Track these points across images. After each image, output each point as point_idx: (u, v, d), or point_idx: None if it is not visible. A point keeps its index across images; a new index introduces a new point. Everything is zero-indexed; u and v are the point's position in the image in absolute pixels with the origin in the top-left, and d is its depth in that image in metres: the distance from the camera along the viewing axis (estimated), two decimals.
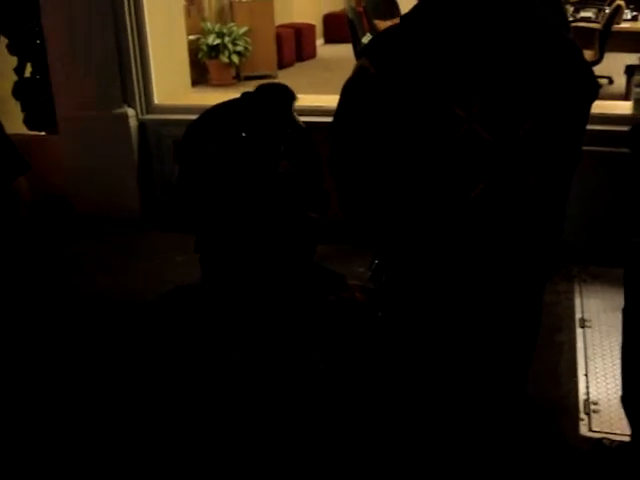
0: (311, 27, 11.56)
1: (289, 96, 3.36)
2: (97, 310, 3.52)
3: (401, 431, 1.82)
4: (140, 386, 2.89)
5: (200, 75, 8.64)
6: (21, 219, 2.96)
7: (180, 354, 3.09)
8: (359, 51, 6.61)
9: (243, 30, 9.05)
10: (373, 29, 8.60)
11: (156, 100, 4.65)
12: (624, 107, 4.18)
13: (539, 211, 1.54)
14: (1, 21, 4.91)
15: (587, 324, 3.21)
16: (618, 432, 2.47)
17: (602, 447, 2.37)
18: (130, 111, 4.54)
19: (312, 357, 2.97)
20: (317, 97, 4.61)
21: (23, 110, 5.09)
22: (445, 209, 1.49)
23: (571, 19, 8.13)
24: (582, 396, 2.71)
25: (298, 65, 10.71)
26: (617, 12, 7.72)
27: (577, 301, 3.43)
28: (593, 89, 1.59)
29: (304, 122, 3.59)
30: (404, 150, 1.48)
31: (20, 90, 5.05)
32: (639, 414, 2.19)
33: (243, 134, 3.34)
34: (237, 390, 2.80)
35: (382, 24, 8.55)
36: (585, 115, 1.60)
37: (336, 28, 11.96)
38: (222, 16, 9.81)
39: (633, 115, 3.85)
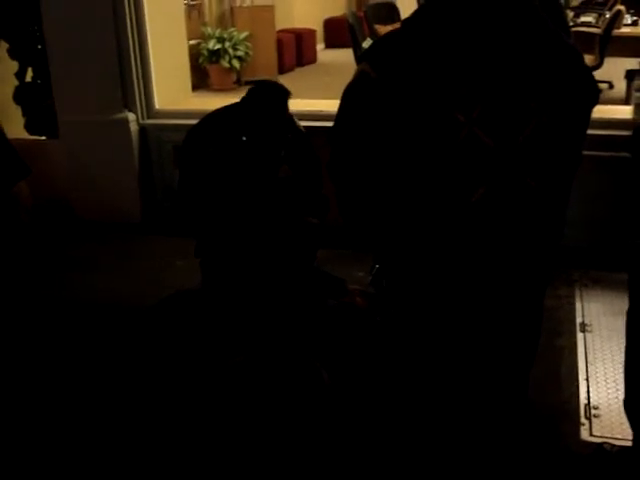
0: (312, 32, 11.57)
1: (283, 93, 3.33)
2: (97, 314, 3.51)
3: (402, 435, 1.81)
4: (141, 391, 2.89)
5: (201, 80, 8.66)
6: (22, 223, 2.96)
7: (180, 358, 3.09)
8: (360, 56, 6.61)
9: (244, 35, 9.07)
10: (373, 34, 8.59)
11: (157, 105, 4.64)
12: (624, 112, 4.19)
13: (539, 216, 1.54)
14: (2, 26, 4.92)
15: (588, 328, 3.21)
16: (619, 437, 2.47)
17: (603, 452, 2.36)
18: (131, 116, 4.54)
19: (312, 361, 2.96)
20: (317, 102, 4.61)
21: (24, 115, 5.10)
22: (445, 214, 1.49)
23: (571, 24, 8.13)
24: (583, 401, 2.71)
25: (299, 70, 10.71)
26: (617, 17, 7.74)
27: (578, 305, 3.43)
28: (593, 94, 1.60)
29: (304, 127, 3.59)
30: (404, 155, 1.48)
31: (21, 95, 5.05)
32: None
33: (243, 138, 3.35)
34: (237, 394, 2.80)
35: (382, 29, 8.54)
36: (586, 120, 1.60)
37: (337, 33, 11.94)
38: (223, 21, 9.83)
39: (633, 120, 3.85)
